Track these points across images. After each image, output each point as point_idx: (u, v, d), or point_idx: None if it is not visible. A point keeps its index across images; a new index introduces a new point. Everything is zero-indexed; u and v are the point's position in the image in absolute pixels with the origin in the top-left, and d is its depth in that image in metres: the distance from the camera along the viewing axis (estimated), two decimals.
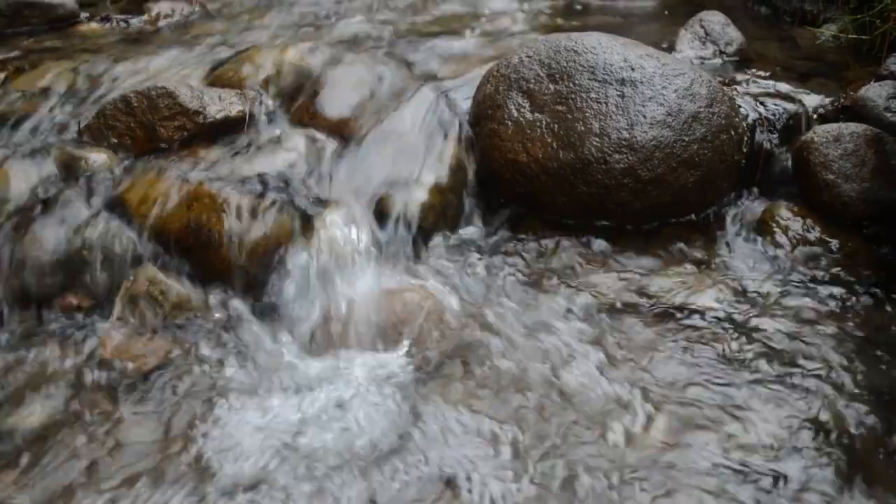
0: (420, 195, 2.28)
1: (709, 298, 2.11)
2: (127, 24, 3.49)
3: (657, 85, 2.26)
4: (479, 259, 2.23)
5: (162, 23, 3.45)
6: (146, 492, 1.60)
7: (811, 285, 2.14)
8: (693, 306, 2.08)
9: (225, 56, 2.88)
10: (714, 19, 2.91)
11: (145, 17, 3.52)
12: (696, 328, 2.01)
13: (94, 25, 3.49)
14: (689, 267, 2.21)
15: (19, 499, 1.60)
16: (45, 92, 2.74)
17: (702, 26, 2.90)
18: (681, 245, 2.27)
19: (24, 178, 2.29)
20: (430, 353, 1.94)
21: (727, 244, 2.29)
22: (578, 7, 3.63)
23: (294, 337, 2.03)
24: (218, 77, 2.72)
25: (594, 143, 2.21)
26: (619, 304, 2.09)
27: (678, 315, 2.06)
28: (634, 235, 2.27)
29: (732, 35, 2.88)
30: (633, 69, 2.29)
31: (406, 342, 1.97)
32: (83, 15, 3.57)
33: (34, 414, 1.81)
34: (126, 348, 1.98)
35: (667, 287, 2.14)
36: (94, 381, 1.90)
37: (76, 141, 2.46)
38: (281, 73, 2.70)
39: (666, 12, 3.55)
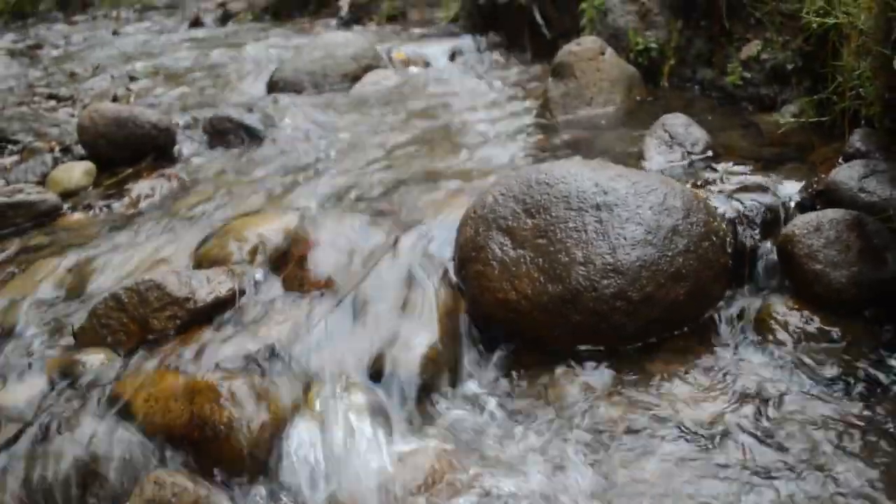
0: (415, 351, 2.27)
1: (718, 407, 2.09)
2: (109, 209, 3.55)
3: (632, 205, 2.29)
4: (482, 406, 2.21)
5: (143, 204, 3.51)
6: None
7: (818, 379, 2.13)
8: (703, 418, 2.06)
9: (209, 232, 2.93)
10: (676, 122, 2.98)
11: (126, 200, 3.59)
12: (708, 442, 1.98)
13: (77, 215, 3.55)
14: (693, 378, 2.20)
15: None
16: (36, 297, 2.77)
17: (665, 130, 2.96)
18: (681, 357, 2.26)
19: (25, 395, 2.29)
20: None
21: (728, 348, 2.28)
22: (545, 123, 3.71)
23: None
24: (204, 256, 2.76)
25: (580, 271, 2.23)
26: (628, 428, 2.07)
27: (689, 431, 2.03)
28: (634, 355, 2.27)
29: (697, 135, 2.94)
30: (605, 192, 2.33)
31: None
32: (66, 206, 3.63)
33: None
34: None
35: (673, 401, 2.13)
36: None
37: (72, 345, 2.48)
38: (265, 243, 2.74)
39: (628, 117, 3.64)
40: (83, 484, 2.08)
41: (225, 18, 8.55)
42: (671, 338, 2.30)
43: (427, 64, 5.28)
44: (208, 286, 2.50)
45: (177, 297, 2.43)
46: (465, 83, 4.74)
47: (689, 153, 2.90)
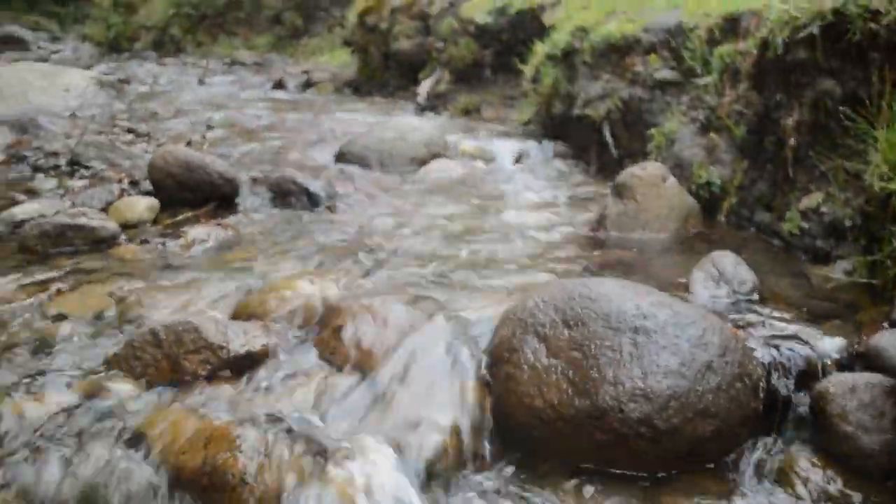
0: (435, 437, 2.28)
1: None
2: (164, 246, 3.66)
3: (670, 333, 2.31)
4: (489, 501, 2.20)
5: (196, 248, 3.62)
6: None
7: None
8: None
9: (252, 286, 3.00)
10: (726, 259, 3.00)
11: (181, 241, 3.70)
12: None
13: (132, 247, 3.66)
14: None
15: None
16: (80, 317, 2.85)
17: (714, 266, 2.98)
18: (696, 495, 2.23)
19: (49, 409, 2.34)
20: None
21: (745, 495, 2.24)
22: (598, 238, 3.76)
23: None
24: (244, 308, 2.82)
25: (609, 391, 2.23)
26: None
27: None
28: (649, 484, 2.24)
29: (745, 275, 2.96)
30: (645, 317, 2.35)
31: None
32: (123, 237, 3.76)
33: None
34: None
35: None
36: None
37: (102, 369, 2.53)
38: (306, 307, 2.80)
39: (680, 246, 3.67)
40: None
41: (307, 86, 8.87)
42: (690, 473, 2.27)
43: (492, 161, 5.40)
44: (243, 338, 2.55)
45: (211, 343, 2.49)
46: (526, 185, 4.84)
47: (735, 292, 2.91)
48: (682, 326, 2.33)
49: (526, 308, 2.49)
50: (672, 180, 3.86)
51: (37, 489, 2.14)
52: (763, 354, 2.50)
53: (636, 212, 3.74)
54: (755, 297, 2.94)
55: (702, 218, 3.95)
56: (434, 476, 2.23)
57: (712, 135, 4.29)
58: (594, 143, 5.33)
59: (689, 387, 2.23)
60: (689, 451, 2.24)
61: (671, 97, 4.85)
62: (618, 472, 2.26)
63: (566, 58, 5.70)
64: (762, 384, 2.40)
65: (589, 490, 2.23)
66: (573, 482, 2.25)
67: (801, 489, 2.24)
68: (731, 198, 4.07)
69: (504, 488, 2.27)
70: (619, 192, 3.81)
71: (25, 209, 4.01)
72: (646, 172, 3.81)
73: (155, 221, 4.04)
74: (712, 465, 2.30)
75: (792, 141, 3.66)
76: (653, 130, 4.65)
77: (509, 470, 2.33)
